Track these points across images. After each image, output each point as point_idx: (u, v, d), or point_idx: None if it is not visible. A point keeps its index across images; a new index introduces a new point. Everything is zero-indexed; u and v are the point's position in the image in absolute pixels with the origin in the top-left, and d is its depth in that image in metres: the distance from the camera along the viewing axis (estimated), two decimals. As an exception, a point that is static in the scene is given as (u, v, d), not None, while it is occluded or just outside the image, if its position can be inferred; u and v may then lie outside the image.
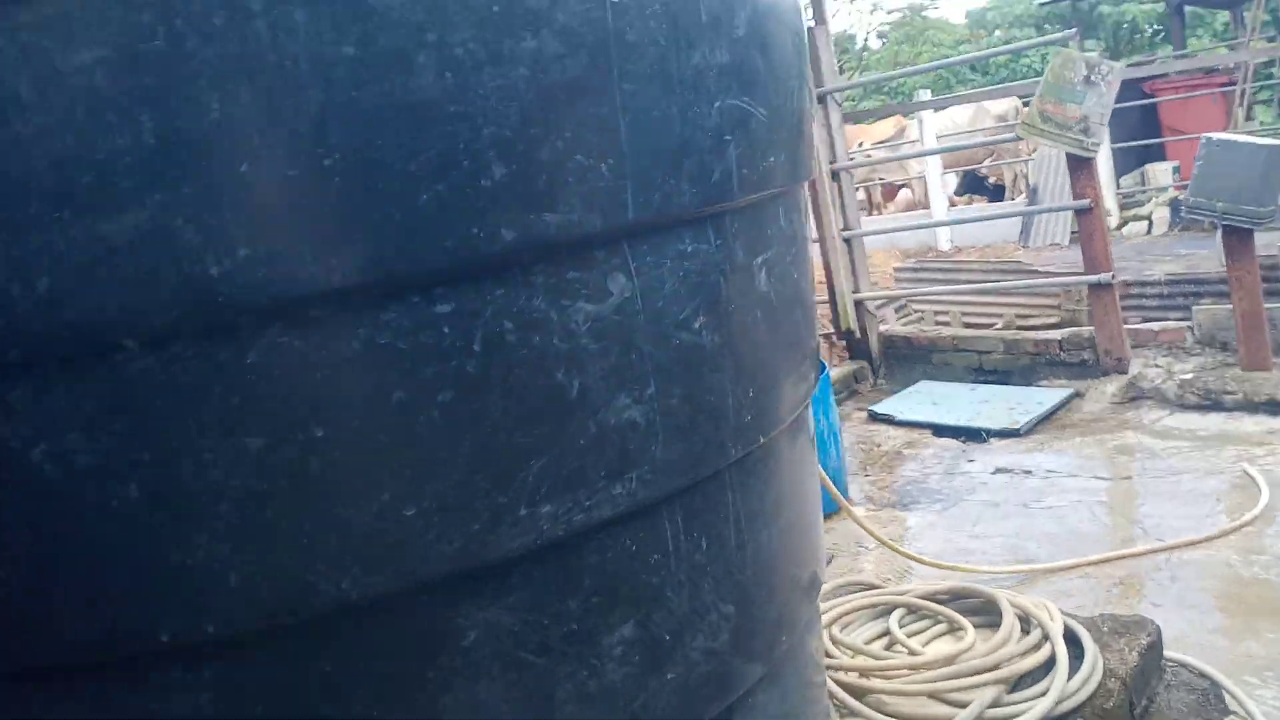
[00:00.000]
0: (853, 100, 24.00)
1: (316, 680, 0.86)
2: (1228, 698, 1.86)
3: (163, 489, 0.79)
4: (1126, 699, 1.73)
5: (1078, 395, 3.87)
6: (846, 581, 2.20)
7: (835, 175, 4.83)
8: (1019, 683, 1.73)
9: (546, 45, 0.85)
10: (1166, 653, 1.91)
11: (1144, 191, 10.96)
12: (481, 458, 0.86)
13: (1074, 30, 4.34)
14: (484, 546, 0.87)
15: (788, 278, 1.17)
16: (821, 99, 4.83)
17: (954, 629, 1.91)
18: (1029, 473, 3.20)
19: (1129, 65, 9.85)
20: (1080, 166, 4.06)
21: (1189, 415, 3.46)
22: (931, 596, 1.99)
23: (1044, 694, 1.67)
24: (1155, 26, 22.70)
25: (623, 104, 0.90)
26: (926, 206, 12.34)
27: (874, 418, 4.10)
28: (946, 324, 8.06)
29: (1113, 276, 3.93)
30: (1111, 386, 3.80)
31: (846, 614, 1.98)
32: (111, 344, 0.76)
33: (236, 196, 0.75)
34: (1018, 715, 1.64)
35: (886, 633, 1.92)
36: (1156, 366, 3.80)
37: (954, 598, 2.00)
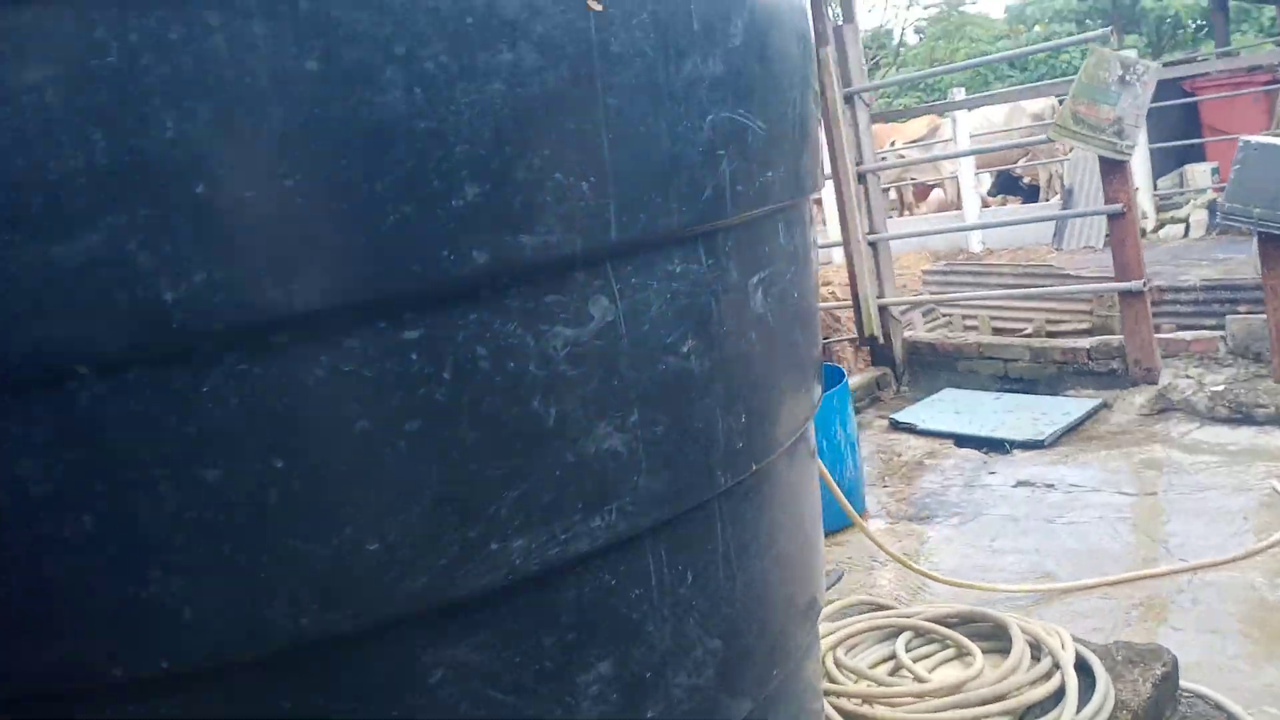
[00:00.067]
0: (886, 98, 23.78)
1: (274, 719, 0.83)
2: (1246, 731, 1.79)
3: (117, 520, 0.76)
4: (1140, 732, 1.67)
5: (1105, 406, 3.77)
6: (855, 601, 2.15)
7: (862, 178, 4.75)
8: (1027, 714, 1.67)
9: (524, 58, 0.81)
10: (1183, 682, 1.84)
11: (1182, 193, 10.73)
12: (450, 490, 0.83)
13: (1109, 28, 4.23)
14: (451, 583, 0.84)
15: (787, 297, 1.13)
16: (849, 99, 4.75)
17: (962, 654, 1.86)
18: (1051, 486, 3.12)
19: (1166, 64, 9.64)
20: (1113, 170, 3.96)
21: (1219, 429, 3.36)
22: (940, 620, 1.94)
23: (1054, 726, 1.61)
24: (1199, 21, 22.25)
25: (606, 119, 0.86)
26: (959, 207, 12.18)
27: (895, 426, 4.03)
28: (975, 329, 7.95)
29: (1144, 284, 3.83)
30: (1140, 397, 3.71)
31: (852, 636, 1.93)
32: (64, 371, 0.73)
33: (192, 219, 0.72)
34: (1027, 747, 1.59)
35: (893, 656, 1.87)
36: (1187, 377, 3.70)
37: (963, 621, 1.95)
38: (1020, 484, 3.20)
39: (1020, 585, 2.43)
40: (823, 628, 1.96)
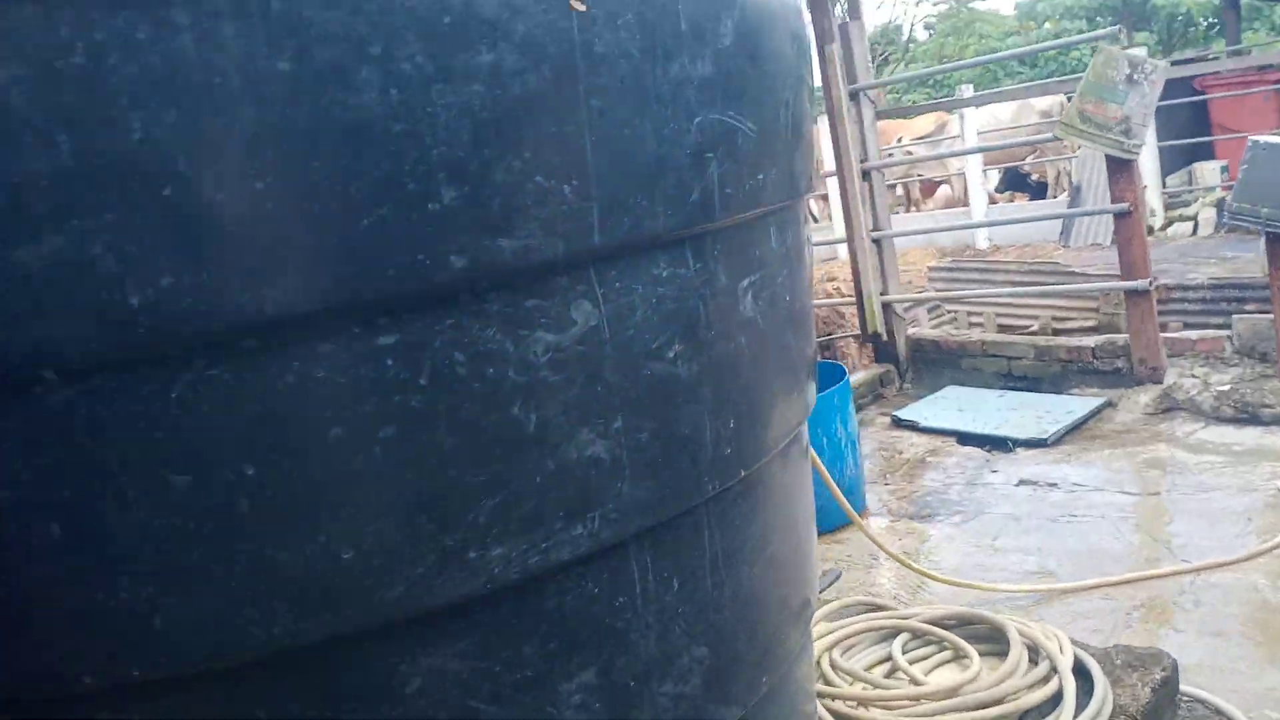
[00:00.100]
0: (895, 93, 23.66)
1: (248, 729, 0.81)
2: (1246, 737, 1.77)
3: (85, 528, 0.75)
4: (1138, 738, 1.65)
5: (1109, 405, 3.74)
6: (852, 601, 2.13)
7: (866, 175, 4.72)
8: (1024, 718, 1.66)
9: (504, 59, 0.79)
10: (1183, 686, 1.82)
11: (1190, 191, 10.67)
12: (427, 498, 0.81)
13: (1118, 26, 4.19)
14: (429, 591, 0.82)
15: (779, 300, 1.11)
16: (855, 95, 4.71)
17: (959, 657, 1.84)
18: (1054, 485, 3.10)
19: (1176, 62, 9.57)
20: (1120, 169, 3.92)
21: (1224, 428, 3.33)
22: (938, 621, 1.92)
23: (1050, 731, 1.59)
24: (1210, 19, 22.10)
25: (590, 121, 0.84)
26: (966, 203, 12.13)
27: (898, 424, 4.01)
28: (980, 326, 7.91)
29: (1150, 283, 3.80)
30: (1145, 396, 3.67)
31: (849, 637, 1.92)
32: (30, 377, 0.72)
33: (160, 222, 0.71)
34: (1022, 753, 1.57)
35: (889, 658, 1.85)
36: (1193, 377, 3.66)
37: (961, 623, 1.93)
38: (1023, 483, 3.18)
39: (1021, 585, 2.42)
40: (819, 628, 1.94)
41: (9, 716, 0.80)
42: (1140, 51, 9.23)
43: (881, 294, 4.76)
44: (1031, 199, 13.10)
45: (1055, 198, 12.22)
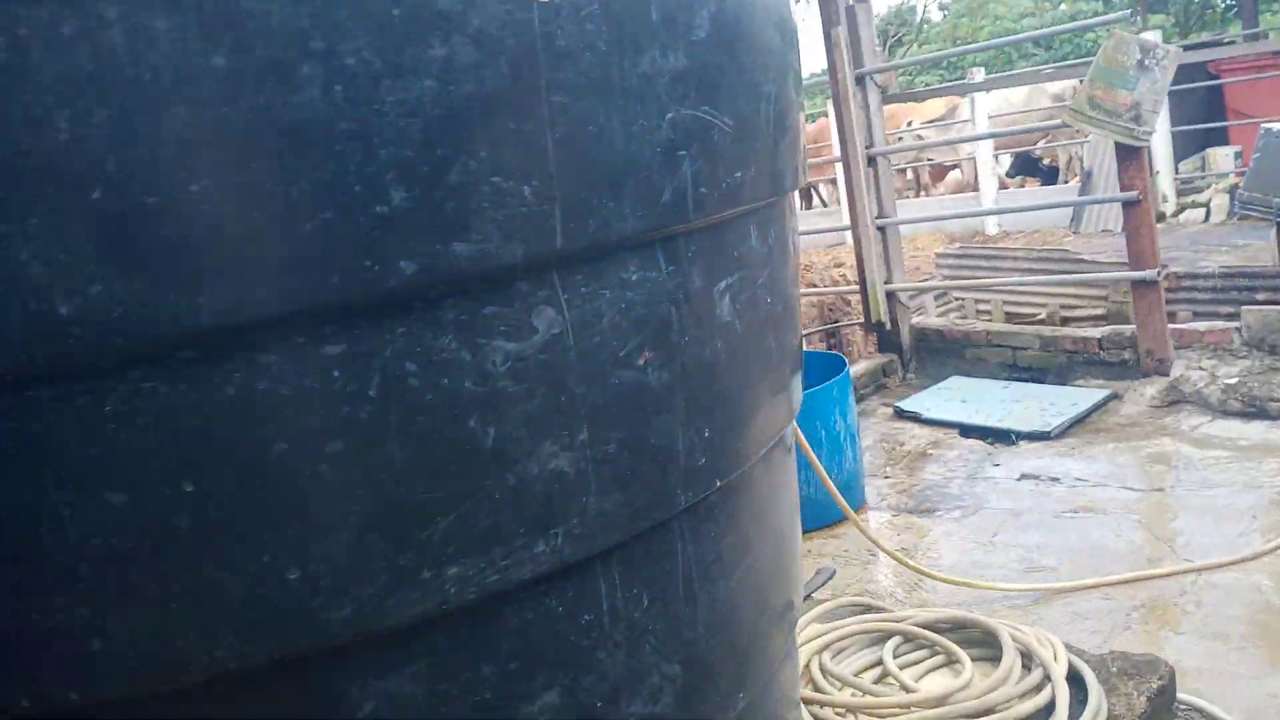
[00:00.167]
0: (908, 75, 23.44)
1: (191, 755, 0.78)
2: (1246, 746, 1.73)
3: (18, 547, 0.72)
4: (1133, 747, 1.61)
5: (1115, 397, 3.68)
6: (845, 602, 2.10)
7: (872, 160, 4.64)
8: (1016, 727, 1.62)
9: (458, 53, 0.75)
10: (1181, 694, 1.78)
11: (1203, 177, 10.54)
12: (377, 515, 0.78)
13: (1129, 11, 4.10)
14: (380, 612, 0.79)
15: (759, 303, 1.06)
16: (861, 80, 4.64)
17: (951, 662, 1.80)
18: (1056, 480, 3.05)
19: (1190, 46, 9.41)
20: (1130, 156, 3.85)
21: (1230, 422, 3.27)
22: (931, 625, 1.88)
23: (1041, 741, 1.56)
24: (1227, 2, 21.82)
25: (551, 118, 0.80)
26: (976, 188, 12.01)
27: (900, 415, 3.96)
28: (988, 313, 7.83)
29: (1158, 274, 3.73)
30: (1151, 389, 3.61)
31: (840, 640, 1.88)
32: (-46, 389, 0.68)
33: (88, 227, 0.67)
34: (1012, 764, 1.53)
35: (879, 662, 1.82)
36: (1200, 369, 3.60)
37: (954, 627, 1.89)
38: (1024, 477, 3.13)
39: (1019, 584, 2.37)
40: (810, 630, 1.91)
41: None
42: (1153, 36, 9.09)
43: (886, 282, 4.69)
44: (1043, 184, 12.97)
45: (1067, 183, 12.09)
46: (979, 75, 11.97)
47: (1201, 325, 4.02)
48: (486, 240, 0.78)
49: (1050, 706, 1.62)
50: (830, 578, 2.50)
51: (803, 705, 1.68)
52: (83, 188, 0.66)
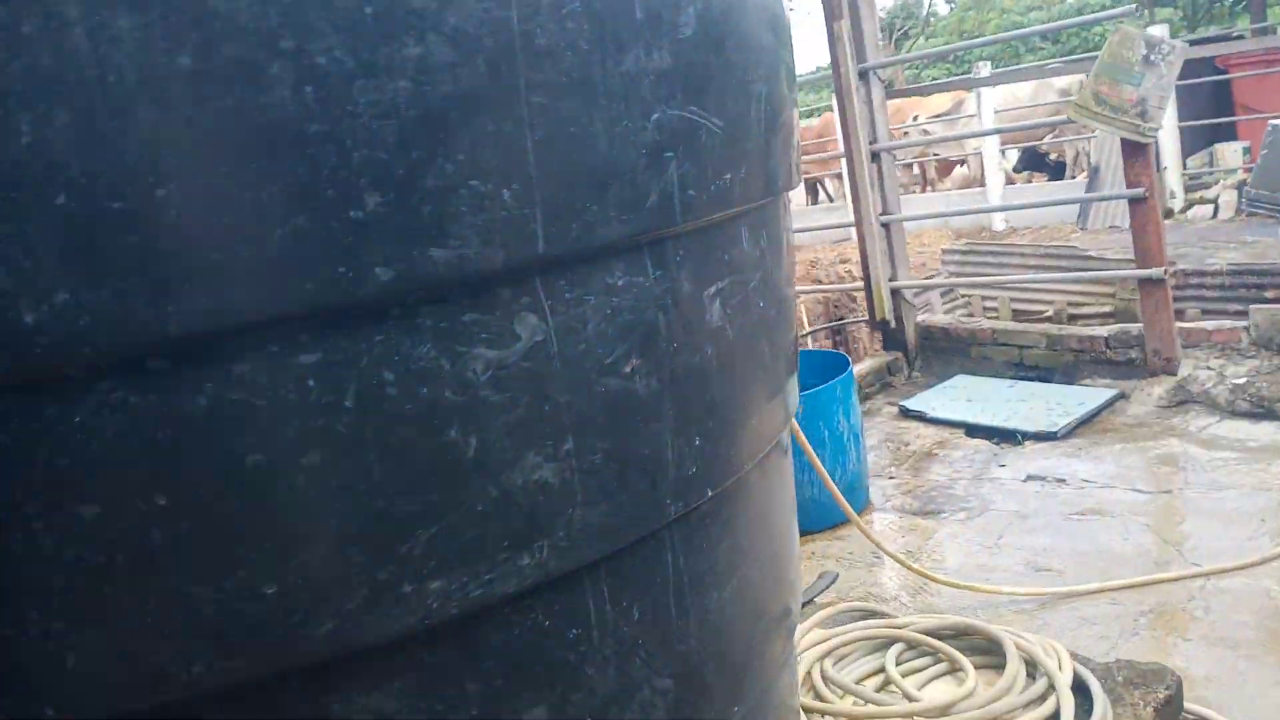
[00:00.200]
0: (914, 69, 23.36)
1: (166, 774, 0.76)
2: (1254, 757, 1.70)
3: (-13, 561, 0.70)
4: (1140, 757, 1.58)
5: (1122, 397, 3.64)
6: (848, 607, 2.07)
7: (875, 156, 4.61)
8: (1020, 737, 1.59)
9: (434, 52, 0.73)
10: (1187, 705, 1.75)
11: (1211, 173, 10.47)
12: (356, 528, 0.76)
13: (1133, 6, 4.06)
14: (360, 628, 0.77)
15: (750, 306, 1.04)
16: (864, 75, 4.60)
17: (955, 670, 1.77)
18: (1063, 481, 3.01)
19: (1197, 41, 9.34)
20: (1135, 153, 3.81)
21: (1239, 423, 3.23)
22: (934, 632, 1.85)
23: (1045, 753, 1.53)
24: (1236, -5, 21.68)
25: (531, 120, 0.78)
26: (983, 183, 11.96)
27: (905, 414, 3.93)
28: (995, 310, 7.79)
29: (1165, 272, 3.69)
30: (1159, 389, 3.58)
31: (841, 646, 1.85)
32: (-83, 401, 0.66)
33: (53, 233, 0.65)
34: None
35: (882, 670, 1.79)
36: (1208, 369, 3.56)
37: (958, 634, 1.86)
38: (1030, 478, 3.10)
39: (1025, 588, 2.34)
40: (812, 635, 1.89)
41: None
42: (1159, 30, 9.03)
43: (890, 280, 4.66)
44: (1050, 179, 12.91)
45: (1074, 178, 12.03)
46: (985, 69, 11.91)
47: (1209, 324, 3.97)
48: (465, 245, 0.76)
49: (1055, 717, 1.60)
50: (833, 581, 2.47)
51: (804, 713, 1.65)
52: (46, 193, 0.64)
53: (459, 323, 0.78)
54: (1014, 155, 13.48)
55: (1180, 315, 6.03)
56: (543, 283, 0.82)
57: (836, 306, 8.56)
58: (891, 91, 5.61)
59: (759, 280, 1.06)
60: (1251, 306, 3.80)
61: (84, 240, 0.65)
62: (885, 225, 4.67)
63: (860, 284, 4.94)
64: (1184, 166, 10.26)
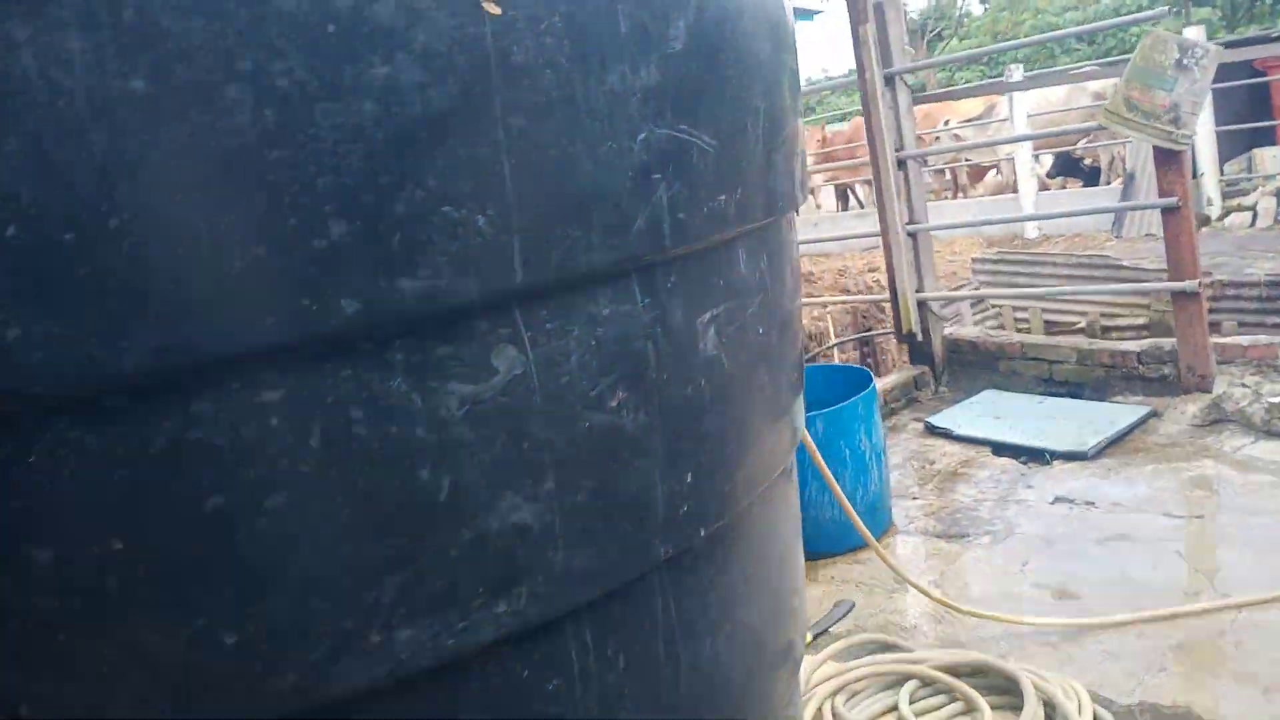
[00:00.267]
0: (947, 72, 23.15)
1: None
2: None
3: (-67, 607, 0.67)
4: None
5: (1154, 414, 3.54)
6: (863, 639, 2.01)
7: (901, 164, 4.54)
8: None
9: (403, 72, 0.69)
10: (1217, 753, 1.67)
11: (1249, 179, 10.25)
12: (320, 575, 0.72)
13: (1168, 7, 3.96)
14: (326, 680, 0.73)
15: (748, 334, 0.99)
16: (890, 80, 4.53)
17: (970, 710, 1.70)
18: (1091, 504, 2.92)
19: (1233, 44, 9.13)
20: (1168, 160, 3.71)
21: (1275, 444, 3.11)
22: (950, 668, 1.78)
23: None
24: (1277, -7, 21.26)
25: (508, 142, 0.74)
26: (1016, 190, 11.80)
27: (931, 430, 3.84)
28: (1026, 320, 7.65)
29: (1199, 285, 3.59)
30: (1192, 407, 3.47)
31: (855, 681, 1.79)
32: None
33: (3, 266, 0.62)
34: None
35: (895, 708, 1.73)
36: (1243, 386, 3.45)
37: (974, 671, 1.79)
38: (1059, 500, 3.01)
39: (1049, 618, 2.26)
40: (825, 669, 1.83)
41: None
42: (1195, 31, 8.85)
43: (917, 291, 4.58)
44: (1085, 185, 12.71)
45: (1110, 184, 11.83)
46: (1018, 72, 11.75)
47: (1245, 339, 3.85)
48: (437, 275, 0.72)
49: (1075, 759, 1.53)
50: (849, 611, 2.40)
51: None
52: (-8, 224, 0.61)
53: (431, 356, 0.74)
54: (1048, 160, 13.29)
55: (1216, 327, 5.88)
56: (522, 313, 0.77)
57: (865, 317, 8.46)
58: (919, 96, 5.54)
59: (758, 305, 1.01)
60: (1290, 322, 3.69)
61: (35, 274, 0.62)
62: (912, 235, 4.59)
63: (884, 297, 4.86)
64: (1221, 172, 10.05)
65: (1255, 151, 10.42)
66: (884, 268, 4.71)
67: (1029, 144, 11.10)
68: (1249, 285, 6.03)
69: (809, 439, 2.04)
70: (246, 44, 0.64)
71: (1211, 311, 6.01)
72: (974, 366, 4.42)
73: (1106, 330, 6.54)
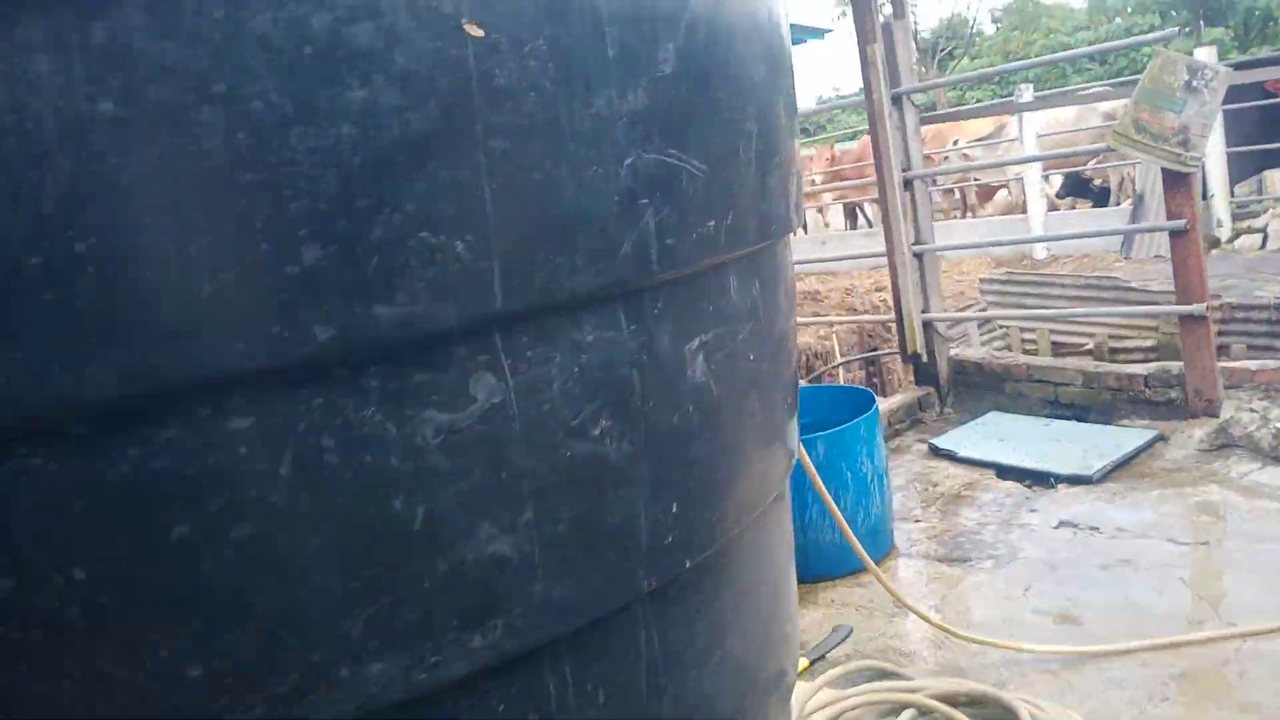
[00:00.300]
0: (958, 91, 23.18)
1: None
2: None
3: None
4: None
5: (1161, 439, 3.50)
6: (860, 666, 1.98)
7: (908, 184, 4.52)
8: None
9: (381, 95, 0.68)
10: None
11: (1260, 201, 10.21)
12: (289, 606, 0.70)
13: (1178, 29, 3.94)
14: (292, 714, 0.71)
15: (738, 361, 0.97)
16: (897, 100, 4.52)
17: (969, 740, 1.68)
18: (1096, 529, 2.89)
19: (1244, 65, 9.11)
20: (1177, 182, 3.69)
21: (1283, 470, 3.08)
22: (948, 697, 1.75)
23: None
24: (1290, 13, 21.25)
25: (489, 166, 0.72)
26: (1024, 210, 11.77)
27: (935, 452, 3.81)
28: (1033, 341, 7.62)
29: (1206, 308, 3.56)
30: (1199, 431, 3.43)
31: (850, 710, 1.76)
32: None
33: (-38, 291, 0.60)
34: None
35: (891, 738, 1.70)
36: (1251, 411, 3.41)
37: (972, 701, 1.76)
38: (1063, 524, 2.97)
39: (1051, 644, 2.23)
40: (821, 696, 1.80)
41: None
42: (1206, 52, 8.83)
43: (923, 312, 4.56)
44: (1095, 205, 12.68)
45: (1119, 204, 11.80)
46: (1028, 93, 11.74)
47: (1253, 364, 3.82)
48: (415, 301, 0.70)
49: (1073, 794, 1.50)
50: (846, 636, 2.37)
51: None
52: (-46, 248, 0.60)
53: (408, 384, 0.72)
54: (1057, 180, 13.27)
55: (1225, 350, 5.84)
56: (502, 339, 0.76)
57: (871, 336, 8.42)
58: (929, 116, 5.53)
59: (750, 332, 0.99)
60: (1299, 346, 3.65)
61: (-2, 297, 0.61)
62: (918, 255, 4.57)
63: (889, 317, 4.84)
64: (1231, 194, 10.01)
65: (1266, 173, 10.38)
66: (889, 287, 4.69)
67: (1038, 164, 11.08)
68: (1259, 308, 5.98)
69: (808, 461, 2.02)
70: (220, 66, 0.63)
71: (1220, 334, 5.97)
72: (979, 388, 4.39)
73: (1115, 352, 6.50)
